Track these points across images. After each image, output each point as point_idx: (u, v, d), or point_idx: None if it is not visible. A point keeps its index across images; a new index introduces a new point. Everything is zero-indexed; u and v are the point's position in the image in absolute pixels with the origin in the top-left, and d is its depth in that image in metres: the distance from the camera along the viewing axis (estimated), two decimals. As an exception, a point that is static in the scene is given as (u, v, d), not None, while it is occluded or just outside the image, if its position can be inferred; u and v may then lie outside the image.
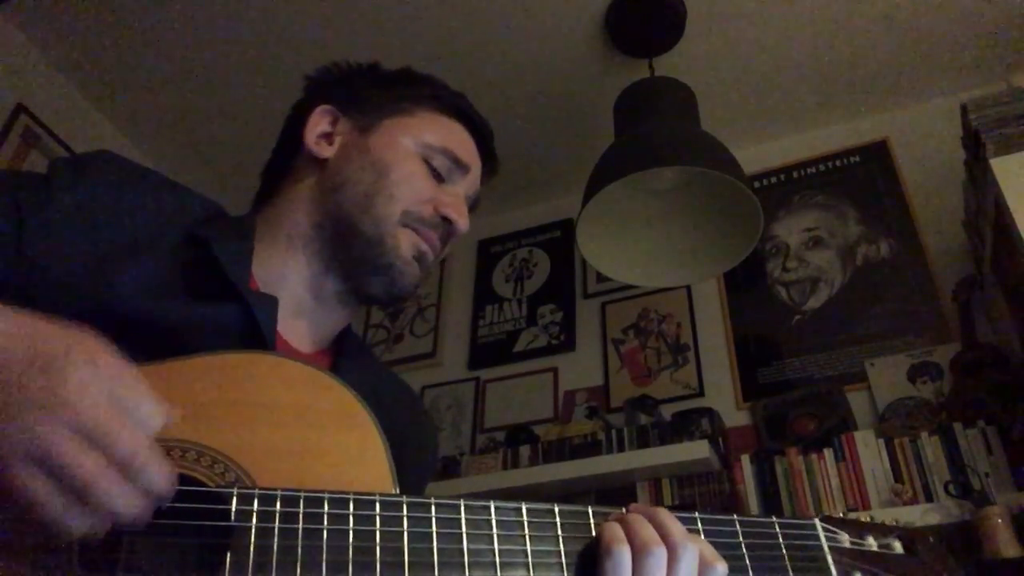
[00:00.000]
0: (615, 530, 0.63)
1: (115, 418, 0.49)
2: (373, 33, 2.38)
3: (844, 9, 2.35)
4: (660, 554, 0.62)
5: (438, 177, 0.88)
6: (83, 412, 0.47)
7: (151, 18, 2.33)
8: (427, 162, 0.88)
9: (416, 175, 0.86)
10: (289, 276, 0.83)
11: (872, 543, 0.78)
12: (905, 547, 0.79)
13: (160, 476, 0.50)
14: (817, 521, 0.77)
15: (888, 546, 0.78)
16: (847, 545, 0.76)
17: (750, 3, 2.33)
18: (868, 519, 0.84)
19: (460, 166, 0.90)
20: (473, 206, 0.94)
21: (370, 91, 0.92)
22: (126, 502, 0.49)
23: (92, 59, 2.46)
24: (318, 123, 0.89)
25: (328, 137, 0.89)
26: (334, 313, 0.87)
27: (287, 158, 0.91)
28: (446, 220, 0.87)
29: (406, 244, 0.84)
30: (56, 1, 2.28)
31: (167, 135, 2.75)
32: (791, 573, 0.71)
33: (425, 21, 2.35)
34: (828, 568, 0.73)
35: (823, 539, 0.75)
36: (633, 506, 0.67)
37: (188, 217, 0.78)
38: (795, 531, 0.75)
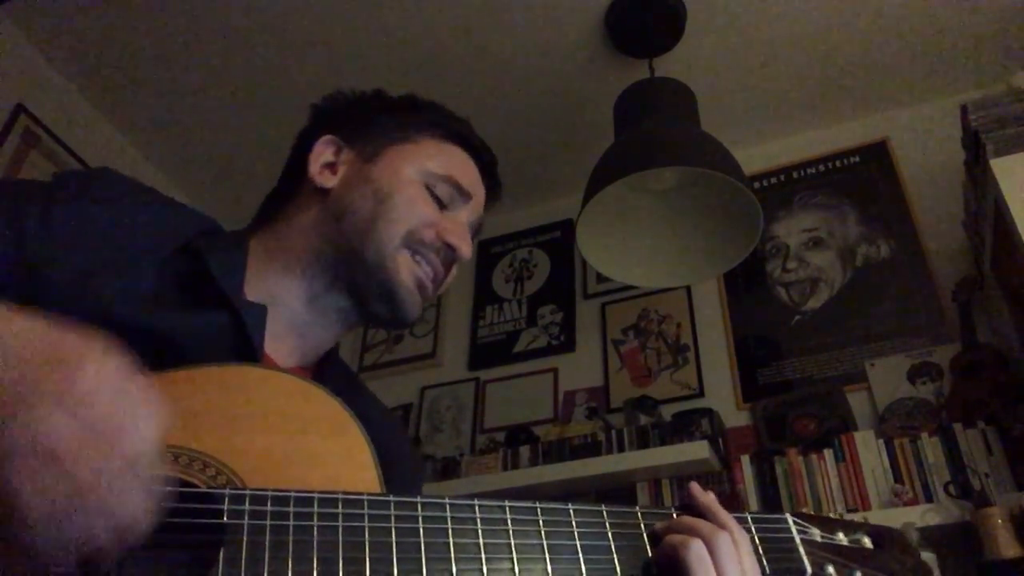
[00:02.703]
0: (679, 536, 0.69)
1: (123, 415, 0.48)
2: (375, 34, 2.38)
3: (844, 9, 2.35)
4: (727, 539, 0.69)
5: (440, 204, 0.88)
6: (92, 408, 0.47)
7: (151, 18, 2.33)
8: (429, 189, 0.88)
9: (418, 200, 0.86)
10: (284, 296, 0.84)
11: (843, 538, 0.80)
12: (875, 543, 0.81)
13: (162, 474, 0.50)
14: (788, 516, 0.79)
15: (858, 541, 0.80)
16: (818, 539, 0.78)
17: (750, 3, 2.33)
18: (865, 520, 0.85)
19: (462, 193, 0.90)
20: (476, 233, 0.95)
21: (373, 119, 0.92)
22: (129, 501, 0.47)
23: (92, 59, 2.47)
24: (322, 153, 0.89)
25: (332, 167, 0.89)
26: (330, 329, 0.87)
27: (290, 186, 0.92)
28: (448, 247, 0.87)
29: (406, 272, 0.84)
30: (56, 1, 2.29)
31: (167, 136, 2.75)
32: (766, 564, 0.73)
33: (425, 22, 2.36)
34: (801, 559, 0.75)
35: (795, 532, 0.77)
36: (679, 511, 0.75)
37: (184, 232, 0.78)
38: (768, 525, 0.77)
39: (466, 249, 0.88)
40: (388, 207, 0.84)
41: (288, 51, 2.43)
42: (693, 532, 0.69)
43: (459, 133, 0.94)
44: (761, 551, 0.74)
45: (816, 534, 0.78)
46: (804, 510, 0.84)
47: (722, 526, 0.70)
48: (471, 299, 3.06)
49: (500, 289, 3.04)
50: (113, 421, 0.47)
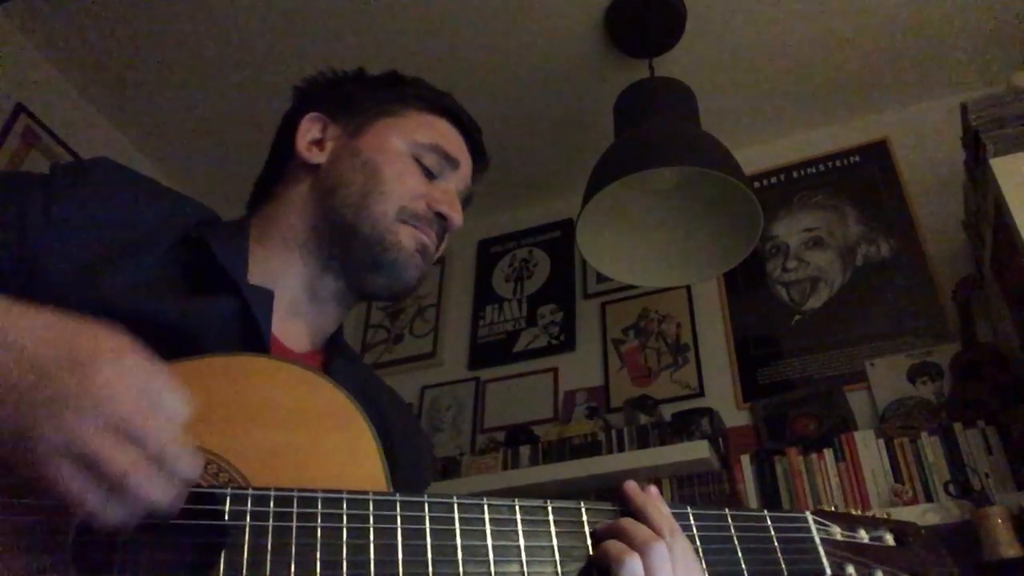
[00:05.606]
0: (618, 545, 0.65)
1: (145, 412, 0.50)
2: (374, 34, 2.38)
3: (844, 9, 2.35)
4: (660, 550, 0.65)
5: (429, 175, 0.89)
6: (114, 408, 0.49)
7: (151, 18, 2.33)
8: (418, 161, 0.88)
9: (407, 173, 0.87)
10: (286, 276, 0.84)
11: (864, 535, 0.78)
12: (897, 539, 0.79)
13: (189, 466, 0.51)
14: (808, 514, 0.77)
15: (879, 538, 0.79)
16: (839, 537, 0.77)
17: (750, 3, 2.32)
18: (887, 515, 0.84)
19: (450, 162, 0.91)
20: (466, 202, 0.95)
21: (358, 95, 0.93)
22: (160, 493, 0.50)
23: (92, 59, 2.46)
24: (308, 130, 0.90)
25: (319, 143, 0.90)
26: (329, 312, 0.88)
27: (279, 166, 0.92)
28: (440, 216, 0.88)
29: (407, 238, 0.85)
30: (56, 1, 2.28)
31: (167, 135, 2.75)
32: (783, 565, 0.72)
33: (425, 22, 2.35)
34: (820, 560, 0.74)
35: (815, 531, 0.76)
36: (626, 497, 0.70)
37: (184, 221, 0.79)
38: (786, 524, 0.75)
39: (457, 218, 0.89)
40: (378, 181, 0.85)
41: (289, 51, 2.43)
42: (629, 542, 0.65)
43: (443, 104, 0.95)
44: (779, 551, 0.72)
45: (837, 532, 0.77)
46: (821, 507, 0.82)
47: (658, 533, 0.66)
48: (471, 299, 3.06)
49: (500, 289, 3.04)
50: (136, 419, 0.49)
